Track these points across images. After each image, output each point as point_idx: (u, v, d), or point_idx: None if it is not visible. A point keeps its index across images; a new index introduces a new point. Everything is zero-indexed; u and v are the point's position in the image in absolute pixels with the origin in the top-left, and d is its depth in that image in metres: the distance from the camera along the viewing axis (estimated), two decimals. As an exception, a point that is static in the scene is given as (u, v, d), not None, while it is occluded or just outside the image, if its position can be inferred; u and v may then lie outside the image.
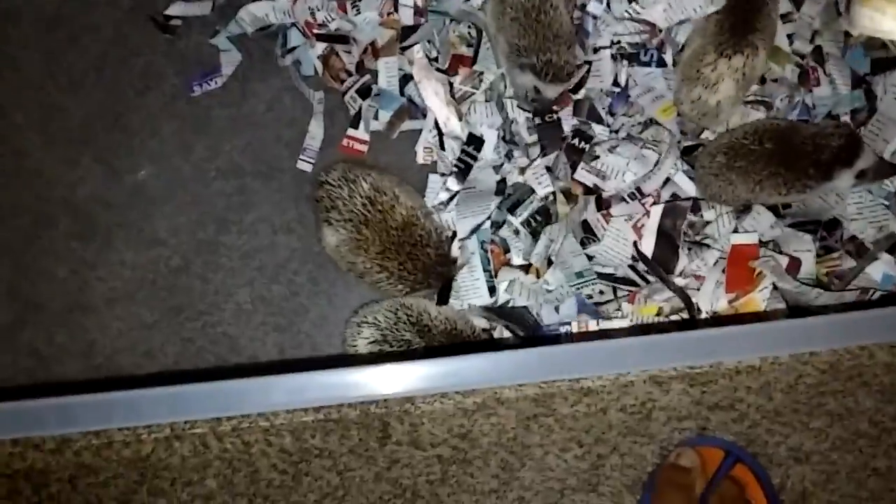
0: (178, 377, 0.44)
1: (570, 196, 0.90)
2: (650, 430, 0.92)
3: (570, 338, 0.85)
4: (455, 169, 0.91)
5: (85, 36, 0.99)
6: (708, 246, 0.88)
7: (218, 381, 0.45)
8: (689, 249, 0.88)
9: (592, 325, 0.85)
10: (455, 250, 0.88)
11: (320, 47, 0.97)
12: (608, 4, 0.93)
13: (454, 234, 0.89)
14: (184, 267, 0.93)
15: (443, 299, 0.86)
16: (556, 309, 0.87)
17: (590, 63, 0.93)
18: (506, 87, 0.94)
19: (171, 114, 0.97)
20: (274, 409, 0.45)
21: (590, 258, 0.88)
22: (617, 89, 0.94)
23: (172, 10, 0.99)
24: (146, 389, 0.46)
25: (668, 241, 0.88)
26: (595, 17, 0.94)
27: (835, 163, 0.82)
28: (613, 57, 0.94)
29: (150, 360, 0.90)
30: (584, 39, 0.93)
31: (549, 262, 0.88)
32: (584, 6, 0.93)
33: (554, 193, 0.89)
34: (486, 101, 0.94)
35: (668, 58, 0.93)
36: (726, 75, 0.84)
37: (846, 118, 0.93)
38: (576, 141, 0.92)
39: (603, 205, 0.90)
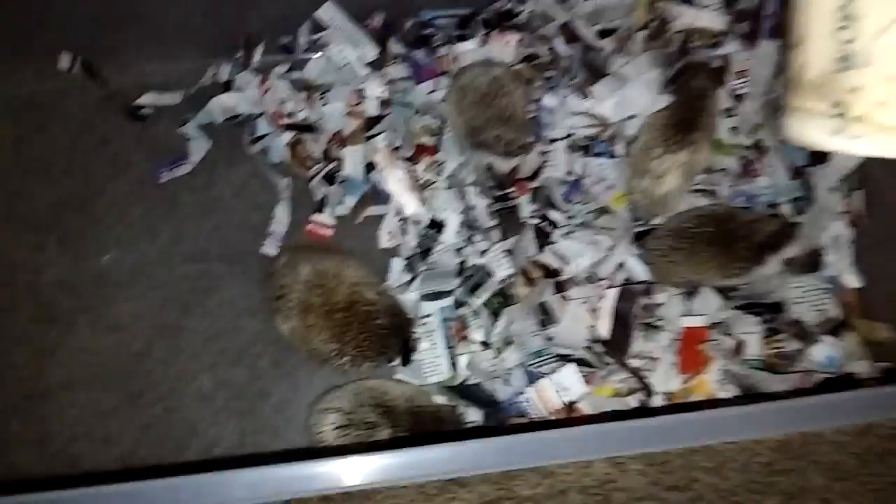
0: (134, 473, 0.44)
1: (528, 279, 0.93)
2: (610, 511, 0.93)
3: (531, 407, 0.87)
4: (416, 251, 0.94)
5: (56, 123, 1.01)
6: (660, 328, 0.91)
7: (176, 476, 0.45)
8: (643, 331, 0.91)
9: (552, 393, 0.87)
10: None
11: (287, 136, 1.00)
12: (563, 98, 0.99)
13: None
14: (145, 351, 0.93)
15: (405, 360, 0.88)
16: (508, 381, 0.89)
17: (546, 153, 0.98)
18: (467, 175, 0.98)
19: (138, 199, 0.99)
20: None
21: (548, 340, 0.90)
22: (571, 178, 0.99)
23: (143, 100, 1.02)
24: (101, 487, 0.45)
25: (622, 323, 0.91)
26: (550, 110, 0.99)
27: (765, 248, 0.87)
28: (568, 147, 0.99)
29: (108, 446, 0.89)
30: (540, 131, 0.99)
31: (508, 343, 0.90)
32: (539, 100, 0.99)
33: (513, 276, 0.92)
34: (448, 188, 0.98)
35: (619, 150, 0.98)
36: (672, 168, 0.90)
37: (786, 207, 0.99)
38: (544, 224, 0.95)
39: (560, 288, 0.93)
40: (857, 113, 0.46)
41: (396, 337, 0.85)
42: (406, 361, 0.87)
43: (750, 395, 0.89)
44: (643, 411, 0.89)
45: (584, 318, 0.91)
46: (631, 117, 0.97)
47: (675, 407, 0.89)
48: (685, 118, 0.91)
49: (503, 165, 0.94)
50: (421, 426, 0.83)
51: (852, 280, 0.96)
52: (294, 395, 0.93)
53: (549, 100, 0.99)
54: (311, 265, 0.85)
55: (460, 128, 0.95)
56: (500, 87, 0.92)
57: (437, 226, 0.95)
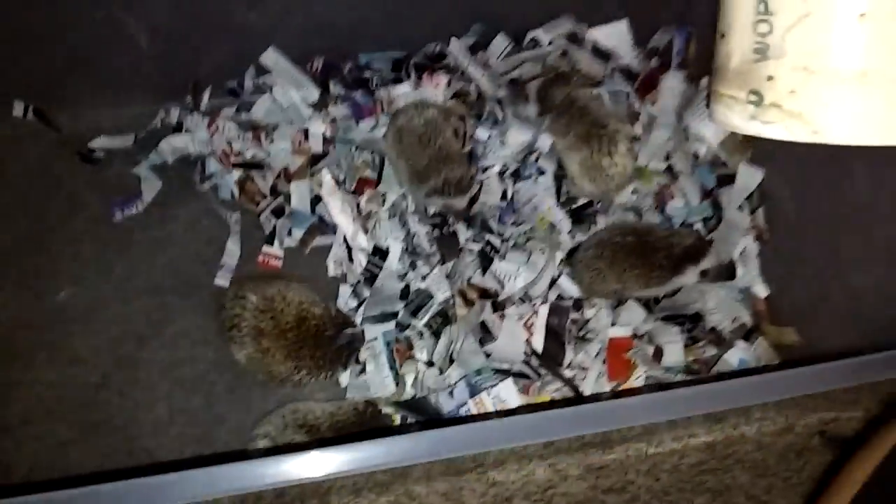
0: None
1: (467, 300, 1.00)
2: (552, 514, 0.99)
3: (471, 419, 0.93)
4: (362, 278, 1.00)
5: (11, 167, 1.06)
6: (590, 340, 0.99)
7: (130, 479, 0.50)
8: (574, 344, 0.98)
9: (489, 405, 0.93)
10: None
11: (237, 173, 1.06)
12: (490, 130, 1.07)
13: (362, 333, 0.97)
14: (103, 383, 0.96)
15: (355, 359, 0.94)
16: (451, 394, 0.95)
17: (480, 182, 1.06)
18: (407, 205, 1.05)
19: (93, 237, 1.03)
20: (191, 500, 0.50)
21: (487, 355, 0.97)
22: (504, 203, 1.06)
23: (96, 143, 1.07)
24: (59, 491, 0.50)
25: (555, 337, 0.98)
26: (482, 142, 1.07)
27: (683, 260, 0.95)
28: (499, 174, 1.07)
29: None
30: (476, 162, 1.07)
31: (451, 360, 0.97)
32: (472, 135, 1.07)
33: (453, 297, 0.99)
34: (390, 217, 1.05)
35: (548, 170, 1.06)
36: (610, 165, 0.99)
37: (699, 226, 1.08)
38: (487, 248, 1.02)
39: (498, 307, 1.00)
40: (771, 100, 0.51)
41: (345, 342, 0.91)
42: (355, 359, 0.93)
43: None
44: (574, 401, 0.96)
45: (520, 334, 0.98)
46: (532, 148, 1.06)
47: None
48: (578, 128, 1.00)
49: (458, 203, 1.01)
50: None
51: (761, 289, 1.05)
52: (248, 419, 0.97)
53: (480, 132, 1.07)
54: (258, 292, 0.90)
55: (403, 170, 1.02)
56: (434, 127, 1.00)
57: (380, 253, 1.02)
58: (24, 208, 1.04)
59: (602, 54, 1.15)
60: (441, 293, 0.98)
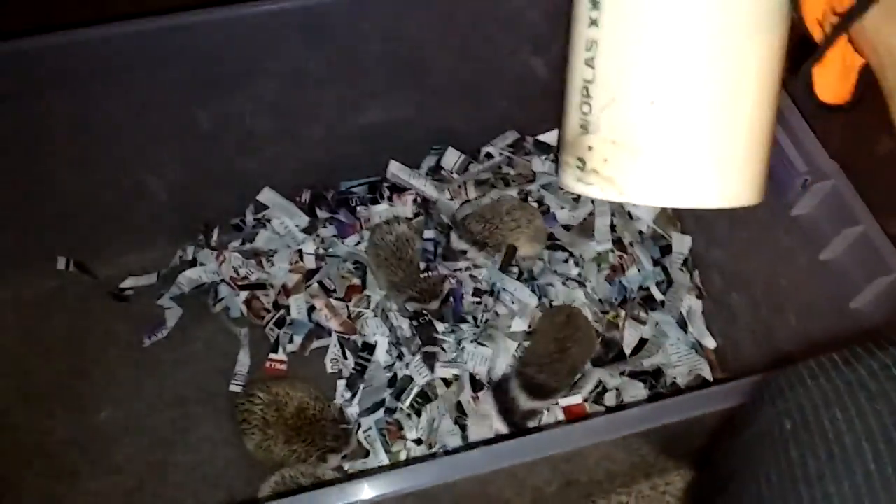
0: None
1: (446, 381, 1.13)
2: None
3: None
4: (354, 371, 1.15)
5: (56, 312, 1.25)
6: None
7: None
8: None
9: None
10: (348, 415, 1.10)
11: (244, 294, 1.24)
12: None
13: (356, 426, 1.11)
14: (138, 487, 1.10)
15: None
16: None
17: (452, 281, 1.22)
18: (390, 304, 1.21)
19: (126, 363, 1.21)
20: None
21: (463, 431, 1.09)
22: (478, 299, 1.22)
23: (126, 284, 1.26)
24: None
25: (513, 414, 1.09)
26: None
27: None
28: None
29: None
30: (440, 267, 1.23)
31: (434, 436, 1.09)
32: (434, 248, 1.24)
33: (432, 380, 1.13)
34: (375, 316, 1.21)
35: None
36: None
37: (655, 290, 1.22)
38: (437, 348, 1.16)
39: (477, 387, 1.13)
40: (591, 167, 0.60)
41: (338, 434, 1.05)
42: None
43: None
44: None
45: (489, 414, 1.10)
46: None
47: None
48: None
49: (431, 307, 1.17)
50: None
51: (709, 341, 1.18)
52: (266, 508, 1.10)
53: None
54: (265, 390, 1.06)
55: (382, 280, 1.20)
56: (405, 241, 1.18)
57: (368, 348, 1.17)
58: (68, 345, 1.22)
59: (544, 148, 1.33)
60: (421, 378, 1.12)
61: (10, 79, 0.98)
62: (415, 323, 1.18)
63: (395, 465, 1.08)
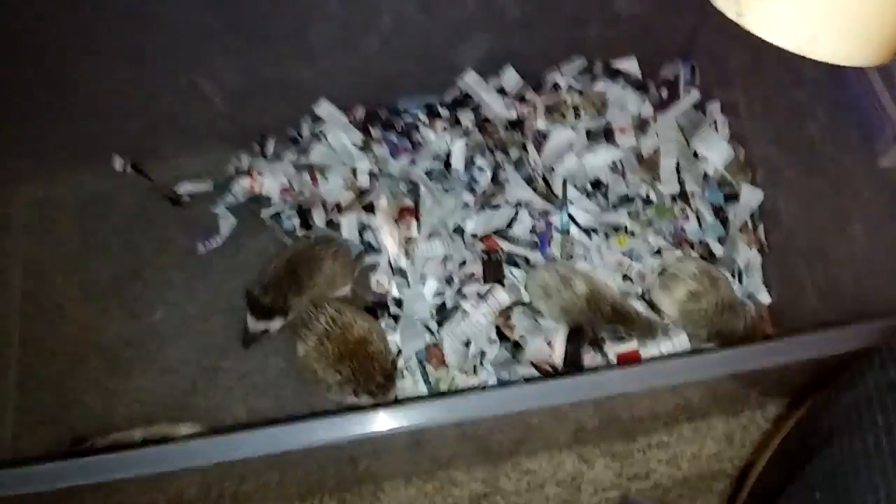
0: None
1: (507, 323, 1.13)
2: (581, 499, 1.11)
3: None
4: (399, 294, 1.16)
5: (112, 213, 1.26)
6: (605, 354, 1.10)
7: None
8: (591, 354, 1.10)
9: None
10: (399, 367, 1.10)
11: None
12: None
13: (399, 353, 1.12)
14: (191, 389, 1.14)
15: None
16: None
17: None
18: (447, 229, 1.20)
19: (180, 267, 1.22)
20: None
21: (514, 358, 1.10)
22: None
23: (181, 189, 1.27)
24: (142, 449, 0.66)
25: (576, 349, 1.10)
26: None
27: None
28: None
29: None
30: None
31: (481, 365, 1.10)
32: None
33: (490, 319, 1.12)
34: (429, 237, 1.19)
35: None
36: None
37: (715, 245, 1.18)
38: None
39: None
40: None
41: (380, 385, 1.04)
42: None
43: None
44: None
45: (544, 348, 1.11)
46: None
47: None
48: None
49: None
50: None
51: (764, 297, 1.15)
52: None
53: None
54: (337, 307, 1.07)
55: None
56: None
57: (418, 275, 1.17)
58: (123, 246, 1.24)
59: (614, 75, 1.28)
60: (477, 312, 1.12)
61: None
62: (484, 257, 1.16)
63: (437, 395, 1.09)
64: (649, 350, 1.08)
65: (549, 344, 1.10)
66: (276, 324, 1.11)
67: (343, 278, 1.15)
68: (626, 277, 1.16)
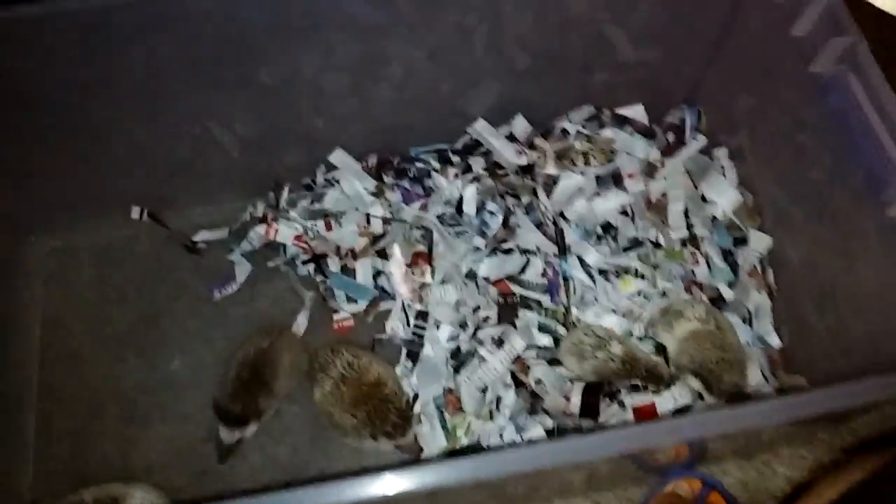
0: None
1: (523, 368, 1.14)
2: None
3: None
4: (415, 339, 1.17)
5: (130, 261, 1.28)
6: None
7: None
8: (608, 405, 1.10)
9: None
10: (415, 410, 1.11)
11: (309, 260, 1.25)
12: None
13: (415, 397, 1.13)
14: (208, 437, 1.14)
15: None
16: (500, 436, 1.09)
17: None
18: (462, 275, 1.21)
19: (196, 315, 1.24)
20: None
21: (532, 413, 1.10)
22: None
23: (198, 237, 1.29)
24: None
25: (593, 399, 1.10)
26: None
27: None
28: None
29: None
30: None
31: (496, 411, 1.11)
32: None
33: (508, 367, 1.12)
34: (442, 283, 1.21)
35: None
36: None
37: (725, 290, 1.19)
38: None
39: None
40: None
41: (397, 426, 1.05)
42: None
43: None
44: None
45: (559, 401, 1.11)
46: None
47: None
48: None
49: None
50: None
51: (774, 340, 1.16)
52: (329, 465, 1.13)
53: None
54: (352, 352, 1.09)
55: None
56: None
57: (423, 317, 1.18)
58: (140, 294, 1.26)
59: (622, 121, 1.30)
60: (494, 358, 1.12)
61: (84, 34, 0.98)
62: (500, 301, 1.17)
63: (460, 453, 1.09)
64: (664, 401, 1.07)
65: (566, 398, 1.11)
66: (251, 429, 1.10)
67: (300, 366, 1.15)
68: (633, 320, 1.17)
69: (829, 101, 0.95)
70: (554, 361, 1.14)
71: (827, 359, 1.06)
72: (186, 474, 1.13)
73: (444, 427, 1.11)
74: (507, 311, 1.17)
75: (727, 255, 1.22)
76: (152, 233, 1.30)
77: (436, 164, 1.30)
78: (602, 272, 1.19)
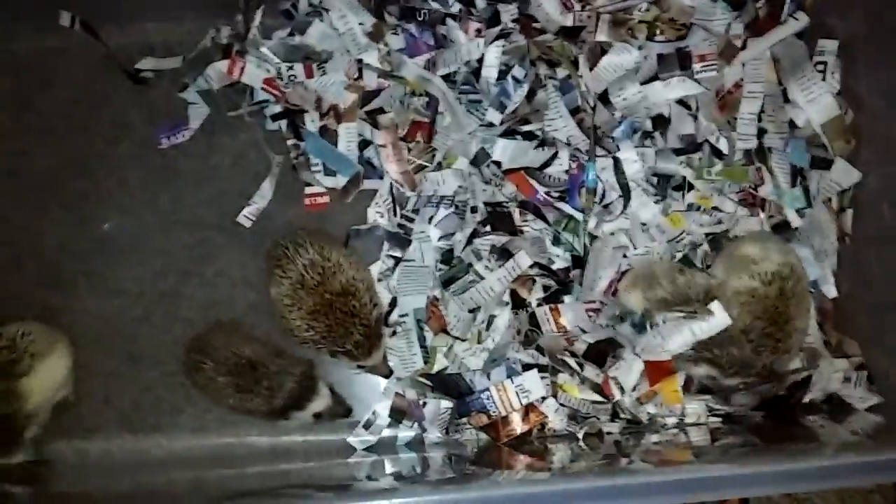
0: None
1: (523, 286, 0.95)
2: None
3: (491, 404, 0.91)
4: (401, 233, 0.96)
5: (57, 82, 1.02)
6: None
7: None
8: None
9: (512, 393, 0.90)
10: (390, 322, 0.95)
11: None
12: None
13: (392, 306, 0.95)
14: (145, 317, 0.98)
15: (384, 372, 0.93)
16: (488, 376, 0.92)
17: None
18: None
19: (138, 164, 1.01)
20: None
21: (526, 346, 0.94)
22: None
23: (143, 65, 1.02)
24: None
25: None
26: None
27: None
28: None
29: (108, 406, 0.95)
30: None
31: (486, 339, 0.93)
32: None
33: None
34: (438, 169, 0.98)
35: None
36: None
37: (792, 216, 0.98)
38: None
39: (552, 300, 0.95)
40: None
41: (363, 347, 0.88)
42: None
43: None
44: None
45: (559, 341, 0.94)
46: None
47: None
48: None
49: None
50: None
51: (830, 290, 0.97)
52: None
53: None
54: (318, 249, 0.88)
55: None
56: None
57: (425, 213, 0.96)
58: (69, 126, 1.02)
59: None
60: (492, 276, 0.93)
61: None
62: (489, 208, 0.95)
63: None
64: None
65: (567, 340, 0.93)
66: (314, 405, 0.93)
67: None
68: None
69: None
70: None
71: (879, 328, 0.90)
72: (120, 357, 0.97)
73: (422, 346, 0.94)
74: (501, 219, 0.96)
75: (797, 176, 0.98)
76: (87, 51, 1.02)
77: (455, 7, 1.00)
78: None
